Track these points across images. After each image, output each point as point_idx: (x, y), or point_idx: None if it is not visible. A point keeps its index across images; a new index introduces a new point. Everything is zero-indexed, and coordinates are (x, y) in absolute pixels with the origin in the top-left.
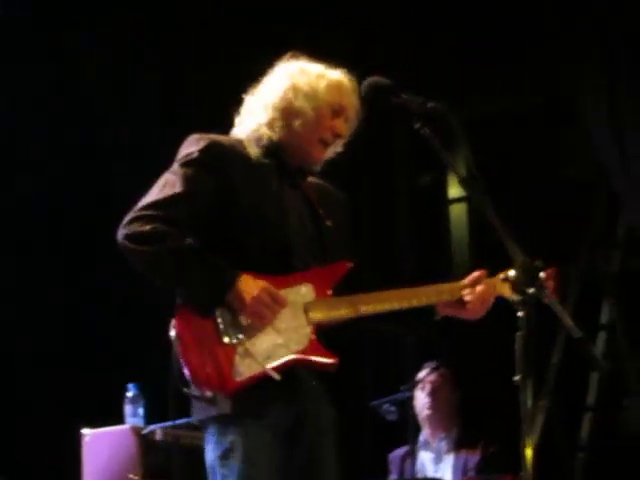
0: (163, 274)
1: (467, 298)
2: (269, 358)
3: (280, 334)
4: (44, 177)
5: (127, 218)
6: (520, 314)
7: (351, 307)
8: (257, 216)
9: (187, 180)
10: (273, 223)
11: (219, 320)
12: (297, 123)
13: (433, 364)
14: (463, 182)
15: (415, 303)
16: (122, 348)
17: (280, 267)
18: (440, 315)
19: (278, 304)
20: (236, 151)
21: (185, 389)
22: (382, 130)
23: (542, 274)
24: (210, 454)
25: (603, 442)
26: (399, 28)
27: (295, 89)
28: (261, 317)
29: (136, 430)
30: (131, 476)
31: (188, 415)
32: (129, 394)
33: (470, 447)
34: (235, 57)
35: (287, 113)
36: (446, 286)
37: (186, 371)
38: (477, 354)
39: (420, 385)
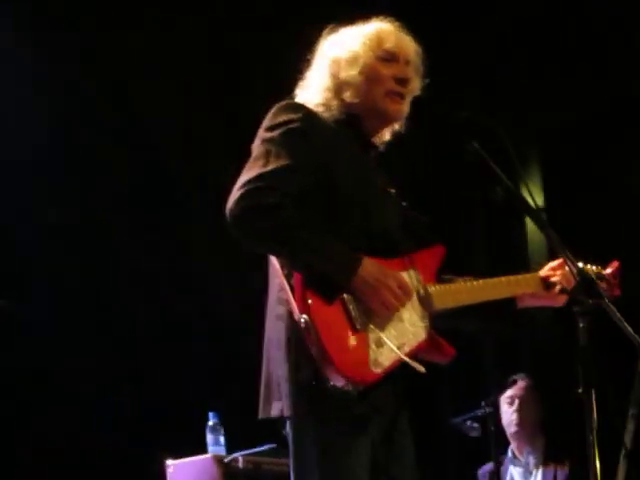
0: (286, 249)
1: (554, 279)
2: (402, 347)
3: (403, 322)
4: None
5: (239, 192)
6: (581, 325)
7: (457, 296)
8: (358, 195)
9: (293, 151)
10: (375, 203)
11: (350, 306)
12: (348, 94)
13: (518, 377)
14: (514, 198)
15: (508, 293)
16: (203, 377)
17: (383, 250)
18: (519, 307)
19: (406, 295)
20: (327, 122)
21: (313, 382)
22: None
23: (607, 270)
24: (310, 449)
25: None
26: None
27: (336, 62)
28: (389, 307)
29: (218, 459)
30: None
31: (269, 441)
32: (210, 423)
33: (558, 461)
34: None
35: (338, 89)
36: (528, 276)
37: (325, 360)
38: (559, 365)
39: (507, 400)
